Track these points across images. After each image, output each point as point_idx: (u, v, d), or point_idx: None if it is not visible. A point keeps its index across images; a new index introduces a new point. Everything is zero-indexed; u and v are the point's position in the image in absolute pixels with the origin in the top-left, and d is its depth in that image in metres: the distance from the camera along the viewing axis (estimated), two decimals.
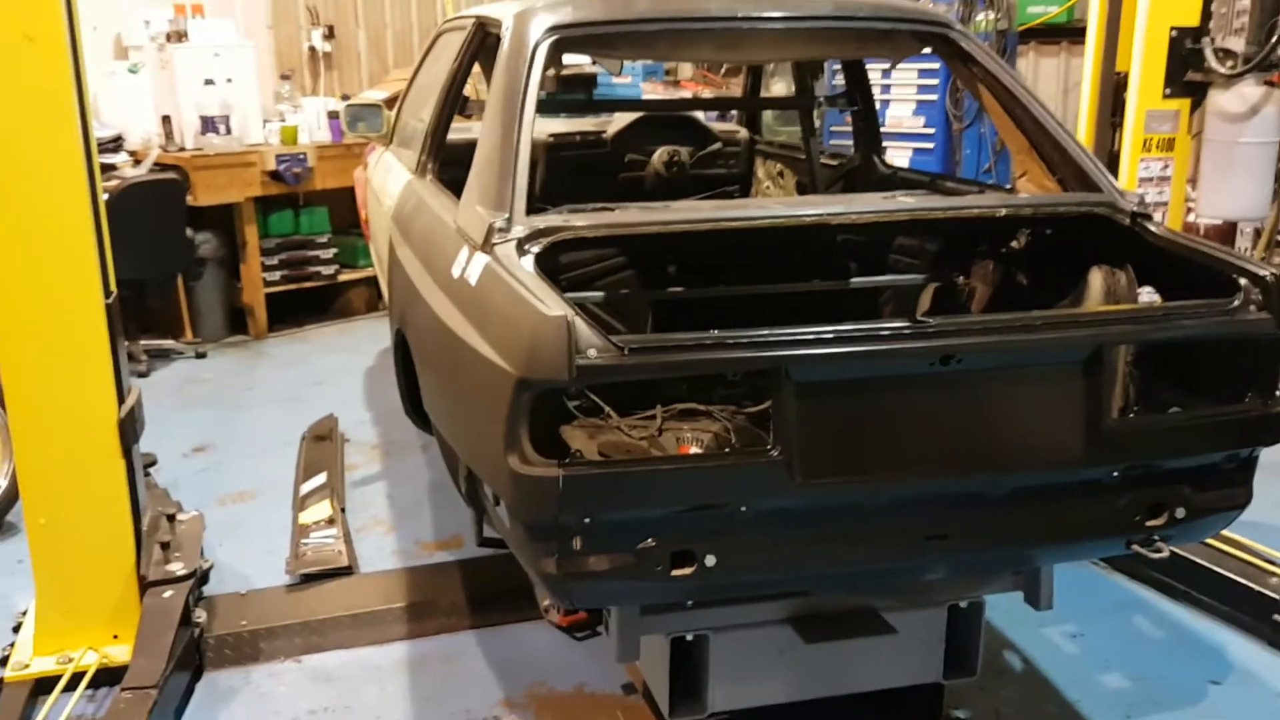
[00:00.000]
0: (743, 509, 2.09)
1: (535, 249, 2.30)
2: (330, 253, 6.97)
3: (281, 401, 5.56)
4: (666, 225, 2.44)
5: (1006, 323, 2.18)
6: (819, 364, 2.05)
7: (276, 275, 6.76)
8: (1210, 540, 3.41)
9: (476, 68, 3.62)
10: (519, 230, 2.34)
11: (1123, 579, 3.61)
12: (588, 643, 3.27)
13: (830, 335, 2.04)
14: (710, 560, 2.10)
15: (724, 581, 2.15)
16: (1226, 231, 5.87)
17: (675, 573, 2.10)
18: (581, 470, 2.00)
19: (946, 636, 2.68)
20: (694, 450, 2.37)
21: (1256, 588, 3.27)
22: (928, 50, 3.21)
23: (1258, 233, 5.86)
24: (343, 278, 7.08)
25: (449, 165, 3.50)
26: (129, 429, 3.00)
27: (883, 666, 2.67)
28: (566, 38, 2.81)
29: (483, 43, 3.39)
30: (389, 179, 3.98)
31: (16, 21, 2.68)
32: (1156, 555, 2.34)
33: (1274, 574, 3.32)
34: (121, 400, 3.00)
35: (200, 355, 6.31)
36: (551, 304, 1.99)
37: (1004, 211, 2.67)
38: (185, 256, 6.21)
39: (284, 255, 6.80)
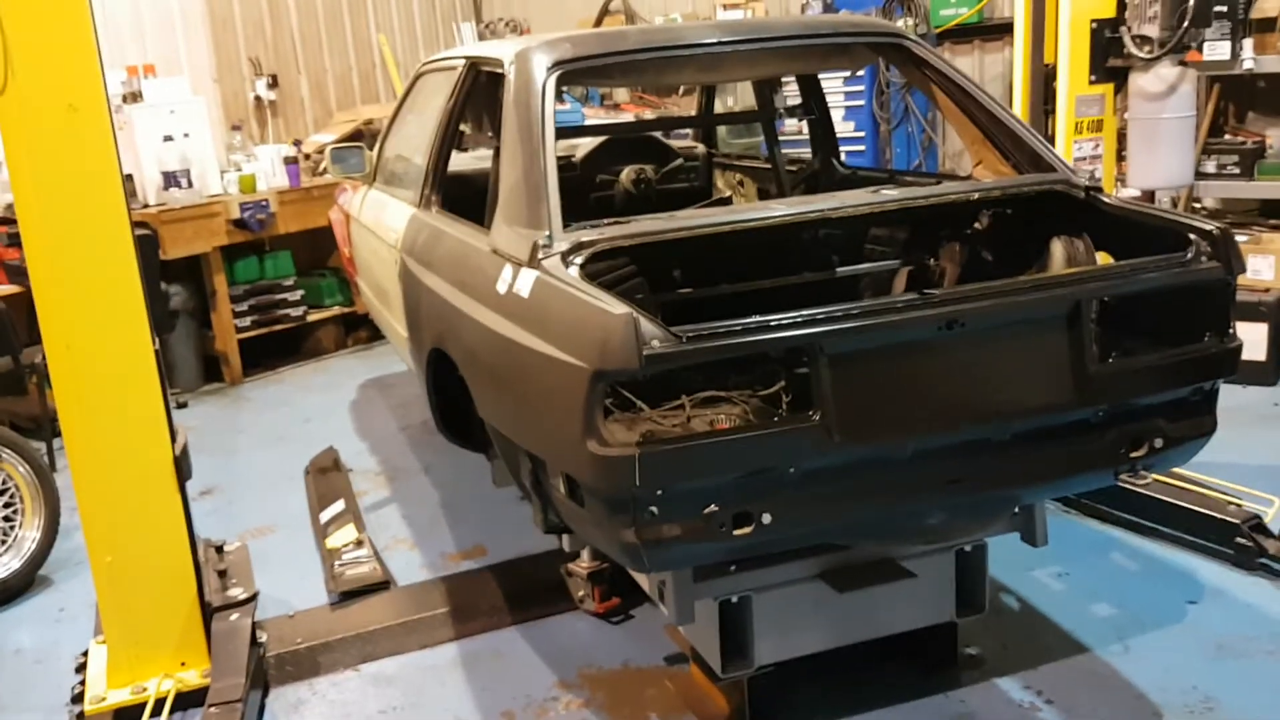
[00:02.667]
0: (791, 470, 2.38)
1: (579, 260, 2.57)
2: (298, 294, 7.13)
3: (273, 441, 5.73)
4: (692, 230, 2.72)
5: (998, 289, 2.50)
6: (847, 337, 2.34)
7: (247, 321, 6.90)
8: (1173, 480, 3.79)
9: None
10: (561, 245, 2.61)
11: (1095, 523, 3.96)
12: (625, 625, 3.52)
13: (855, 311, 2.35)
14: (766, 518, 2.38)
15: (779, 536, 2.44)
16: (1145, 203, 6.32)
17: (737, 532, 2.37)
18: (655, 447, 2.27)
19: (956, 578, 3.00)
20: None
21: (1219, 516, 3.63)
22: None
23: (1174, 202, 6.33)
24: (311, 318, 7.24)
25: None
26: (183, 465, 3.19)
27: (904, 610, 2.98)
28: (568, 71, 3.09)
29: (475, 81, 3.66)
30: (384, 215, 4.21)
31: (62, 93, 2.89)
32: (1141, 483, 2.67)
33: (1232, 503, 3.69)
34: (174, 439, 3.19)
35: (181, 405, 6.42)
36: (615, 304, 2.27)
37: (978, 195, 3.00)
38: (161, 310, 6.33)
39: (253, 301, 6.94)
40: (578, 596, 3.58)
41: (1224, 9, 4.87)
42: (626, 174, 4.80)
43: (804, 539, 2.60)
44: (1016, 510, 2.91)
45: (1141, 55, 4.25)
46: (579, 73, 3.17)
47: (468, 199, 3.64)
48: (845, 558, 2.88)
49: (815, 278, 3.43)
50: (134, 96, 6.54)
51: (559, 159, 4.83)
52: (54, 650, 3.71)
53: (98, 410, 3.05)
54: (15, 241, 5.45)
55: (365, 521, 4.42)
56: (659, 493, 2.29)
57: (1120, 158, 4.88)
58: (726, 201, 4.85)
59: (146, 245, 6.00)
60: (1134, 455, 2.66)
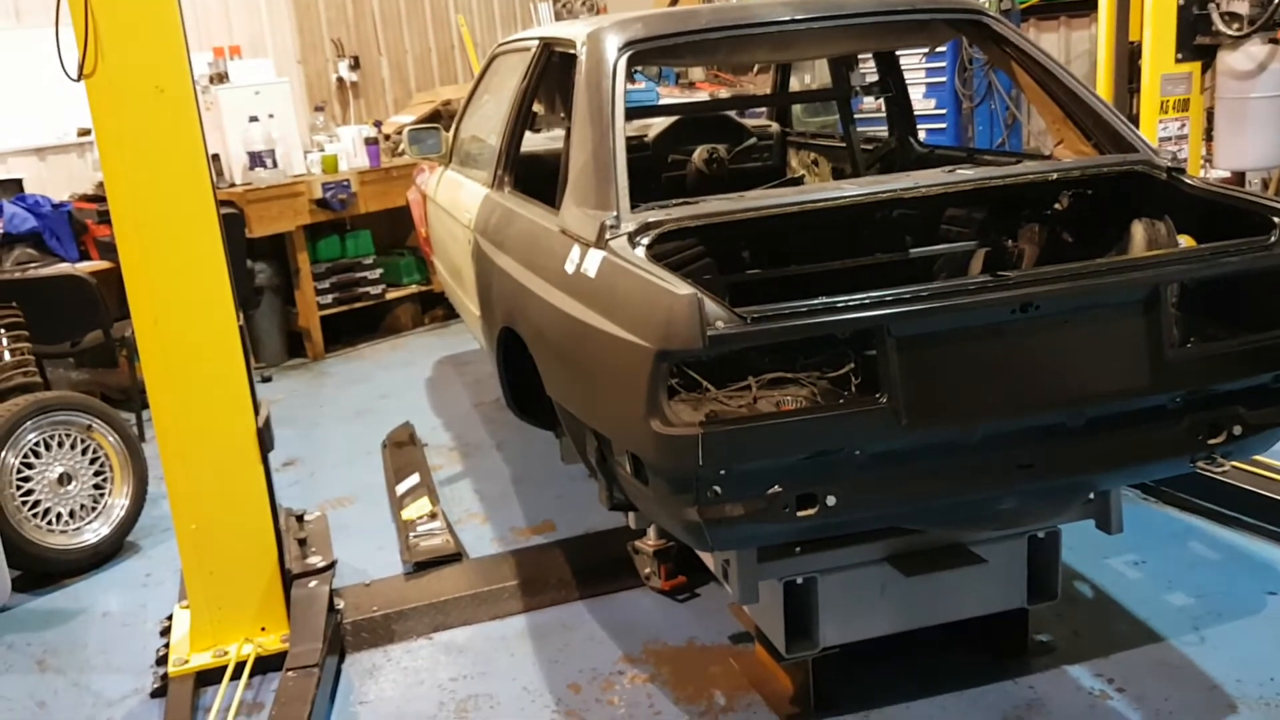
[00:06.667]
0: (857, 453, 2.37)
1: (646, 240, 2.59)
2: (377, 273, 7.26)
3: (353, 415, 5.86)
4: (760, 211, 2.72)
5: (1075, 271, 2.46)
6: (916, 319, 2.33)
7: (329, 298, 7.04)
8: (1255, 468, 3.70)
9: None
10: (628, 225, 2.63)
11: (1174, 510, 3.88)
12: (690, 603, 3.55)
13: (925, 293, 2.33)
14: (831, 501, 2.37)
15: (843, 519, 2.43)
16: (1234, 184, 6.13)
17: (801, 514, 2.37)
18: (718, 427, 2.28)
19: (1028, 565, 2.97)
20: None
21: None
22: None
23: (1264, 183, 6.13)
24: (390, 296, 7.36)
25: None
26: (265, 437, 3.28)
27: (974, 595, 2.96)
28: (639, 51, 3.10)
29: (548, 62, 3.68)
30: (460, 195, 4.27)
31: (149, 76, 2.98)
32: (1219, 470, 2.61)
33: None
34: (257, 411, 3.28)
35: (266, 379, 6.59)
36: (679, 285, 2.28)
37: (1056, 175, 2.95)
38: (247, 287, 6.49)
39: (334, 279, 7.08)
40: (644, 573, 3.61)
41: None
42: (699, 153, 4.80)
43: (870, 522, 2.59)
44: (1091, 497, 2.87)
45: (1230, 33, 4.13)
46: (651, 53, 3.17)
47: (541, 179, 3.68)
48: (913, 542, 2.87)
49: (888, 259, 3.39)
50: (220, 78, 6.70)
51: (631, 139, 4.91)
52: (140, 613, 3.85)
53: (184, 383, 3.16)
54: (106, 219, 5.64)
55: (439, 495, 4.51)
56: (722, 472, 2.30)
57: (1208, 138, 4.74)
58: (798, 181, 4.81)
59: (232, 223, 6.19)
60: (1212, 442, 2.60)
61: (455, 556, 3.87)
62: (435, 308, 7.58)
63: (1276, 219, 2.57)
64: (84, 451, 4.23)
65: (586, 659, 3.31)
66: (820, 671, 2.92)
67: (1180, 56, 4.12)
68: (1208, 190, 2.88)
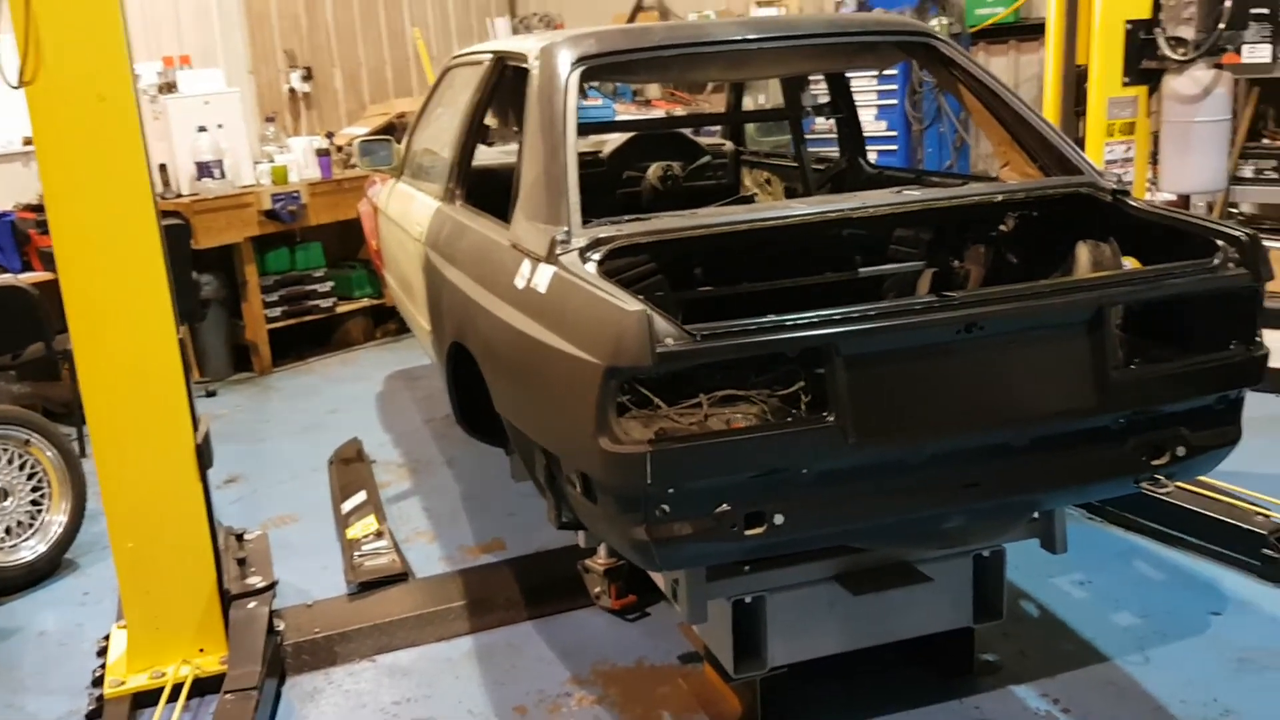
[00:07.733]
0: (804, 471, 2.36)
1: (597, 256, 2.57)
2: (327, 286, 7.17)
3: (300, 431, 5.77)
4: (711, 228, 2.71)
5: (1019, 292, 2.47)
6: (863, 338, 2.33)
7: (277, 311, 6.95)
8: (1199, 489, 3.74)
9: None
10: (579, 241, 2.61)
11: (1119, 530, 3.92)
12: (640, 623, 3.52)
13: (872, 312, 2.33)
14: (779, 519, 2.37)
15: (791, 538, 2.42)
16: (1179, 207, 6.22)
17: (749, 532, 2.36)
18: (667, 445, 2.27)
19: (974, 584, 2.98)
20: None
21: (1245, 526, 3.58)
22: None
23: (1209, 207, 6.23)
24: (340, 309, 7.28)
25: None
26: (204, 453, 3.21)
27: (921, 614, 2.96)
28: (592, 67, 3.08)
29: (501, 76, 3.66)
30: (411, 208, 4.23)
31: (91, 83, 2.92)
32: (1163, 491, 2.63)
33: (1259, 513, 3.63)
34: (196, 426, 3.21)
35: (210, 394, 6.48)
36: (629, 301, 2.26)
37: (1001, 197, 2.97)
38: (193, 299, 6.38)
39: (283, 291, 6.99)
40: (594, 593, 3.58)
41: (1264, 11, 4.80)
42: (653, 170, 4.80)
43: (817, 541, 2.59)
44: (1035, 516, 2.89)
45: (1175, 57, 4.19)
46: (604, 68, 3.16)
47: (493, 193, 3.65)
48: (861, 560, 2.87)
49: (838, 278, 3.40)
50: (169, 87, 6.60)
51: (586, 155, 4.90)
52: (77, 633, 3.76)
53: (120, 397, 3.09)
54: (48, 229, 5.53)
55: (386, 513, 4.44)
56: (670, 491, 2.28)
57: (1153, 161, 4.81)
58: (750, 199, 4.83)
59: (178, 234, 6.08)
60: (1156, 463, 2.62)
61: (401, 576, 3.82)
62: (387, 321, 7.51)
63: (1219, 241, 2.60)
64: (21, 467, 4.13)
65: (534, 680, 3.26)
66: (768, 692, 2.91)
67: (1127, 80, 4.18)
68: (1152, 213, 2.92)
